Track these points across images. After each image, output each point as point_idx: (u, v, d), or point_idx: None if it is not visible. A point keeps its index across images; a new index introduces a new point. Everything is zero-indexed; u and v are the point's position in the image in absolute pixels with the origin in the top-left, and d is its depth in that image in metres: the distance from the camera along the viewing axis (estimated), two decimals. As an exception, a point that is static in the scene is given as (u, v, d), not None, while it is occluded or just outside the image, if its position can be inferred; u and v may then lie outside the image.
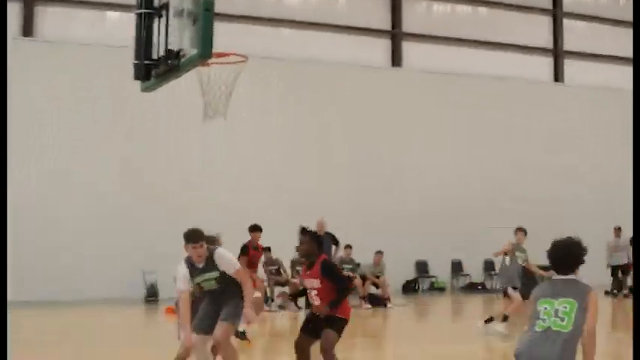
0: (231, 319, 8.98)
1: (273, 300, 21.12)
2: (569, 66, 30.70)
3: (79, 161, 23.17)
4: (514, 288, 15.31)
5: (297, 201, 24.27)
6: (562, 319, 6.01)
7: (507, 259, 15.61)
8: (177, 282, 9.11)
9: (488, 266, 27.69)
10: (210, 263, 8.88)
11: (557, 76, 30.52)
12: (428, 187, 27.21)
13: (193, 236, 8.84)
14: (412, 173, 27.15)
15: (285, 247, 20.34)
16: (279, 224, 20.55)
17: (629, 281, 25.53)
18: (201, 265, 8.90)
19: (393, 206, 26.42)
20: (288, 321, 19.18)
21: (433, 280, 27.28)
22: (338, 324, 8.79)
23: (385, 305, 21.69)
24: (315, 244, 9.16)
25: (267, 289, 21.03)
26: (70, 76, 23.04)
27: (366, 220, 25.51)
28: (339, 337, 8.83)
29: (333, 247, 19.98)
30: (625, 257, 25.02)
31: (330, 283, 8.87)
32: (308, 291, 9.20)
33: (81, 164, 23.14)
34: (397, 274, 25.25)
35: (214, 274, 8.90)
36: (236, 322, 9.19)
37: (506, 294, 15.42)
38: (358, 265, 22.71)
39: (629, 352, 13.25)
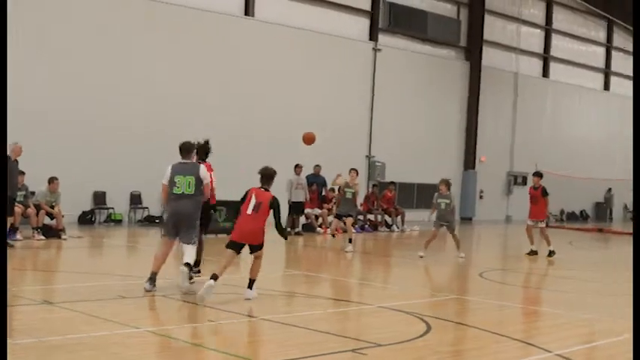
0: None
1: None
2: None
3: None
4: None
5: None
6: None
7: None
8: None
9: (167, 200, 27.74)
10: None
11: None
12: (101, 118, 26.71)
13: None
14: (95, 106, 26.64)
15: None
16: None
17: (303, 220, 26.64)
18: None
19: (69, 132, 25.73)
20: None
21: (111, 211, 26.98)
22: None
23: (59, 237, 21.09)
24: None
25: None
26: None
27: (40, 146, 24.50)
28: None
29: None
30: (303, 195, 25.98)
31: None
32: None
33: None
34: (73, 204, 24.70)
35: None
36: None
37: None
38: (32, 193, 21.83)
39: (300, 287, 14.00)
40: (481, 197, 40.15)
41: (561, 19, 45.19)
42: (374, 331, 10.28)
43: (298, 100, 31.81)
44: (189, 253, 12.24)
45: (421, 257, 19.56)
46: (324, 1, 33.16)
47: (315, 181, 27.26)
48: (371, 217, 30.02)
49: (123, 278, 14.11)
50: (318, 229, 26.91)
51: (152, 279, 12.19)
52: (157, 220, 27.08)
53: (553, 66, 45.05)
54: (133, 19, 27.57)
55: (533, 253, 21.67)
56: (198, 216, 12.51)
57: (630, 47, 50.01)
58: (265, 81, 30.79)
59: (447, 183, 20.56)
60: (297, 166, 25.96)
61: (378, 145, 34.94)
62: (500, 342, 9.83)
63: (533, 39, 43.81)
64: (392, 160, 34.82)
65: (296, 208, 25.95)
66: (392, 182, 32.44)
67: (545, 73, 44.74)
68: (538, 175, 22.27)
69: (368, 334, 10.07)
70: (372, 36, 35.16)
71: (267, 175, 12.15)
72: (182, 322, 9.97)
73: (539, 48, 44.37)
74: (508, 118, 41.91)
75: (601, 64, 48.83)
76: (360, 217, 29.16)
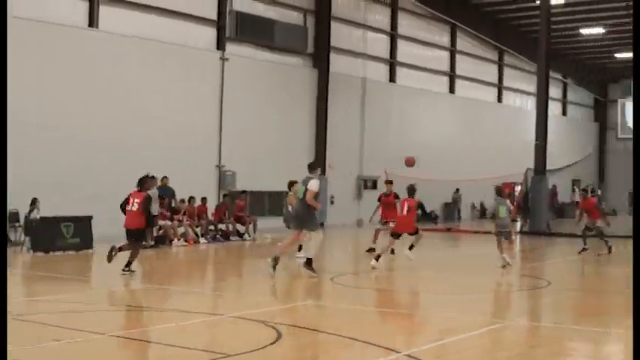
0: None
1: None
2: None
3: None
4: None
5: None
6: None
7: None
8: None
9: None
10: None
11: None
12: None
13: None
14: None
15: None
16: None
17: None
18: None
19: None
20: None
21: None
22: None
23: None
24: None
25: None
26: None
27: None
28: None
29: None
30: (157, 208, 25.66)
31: None
32: None
33: None
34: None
35: None
36: None
37: None
38: None
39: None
40: (332, 202, 40.54)
41: (406, 24, 46.16)
42: (224, 341, 10.24)
43: (147, 111, 31.31)
44: (311, 244, 17.61)
45: (503, 267, 19.62)
46: (170, 11, 32.79)
47: (164, 193, 26.87)
48: (222, 226, 29.87)
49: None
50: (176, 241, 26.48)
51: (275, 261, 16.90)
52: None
53: (399, 70, 45.99)
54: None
55: (372, 250, 22.59)
56: (306, 214, 17.24)
57: (474, 51, 51.66)
58: (112, 93, 30.19)
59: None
60: (162, 178, 25.92)
61: (229, 155, 34.79)
62: (350, 345, 9.94)
63: (379, 44, 44.58)
64: (243, 169, 34.73)
65: (154, 221, 25.66)
66: (243, 191, 32.40)
67: (392, 77, 45.61)
68: (390, 182, 24.17)
69: (219, 344, 10.02)
70: (220, 45, 35.01)
71: (411, 189, 20.16)
72: (26, 342, 9.63)
73: (385, 53, 45.19)
74: (357, 124, 42.49)
75: (446, 67, 50.18)
76: (212, 227, 28.99)
